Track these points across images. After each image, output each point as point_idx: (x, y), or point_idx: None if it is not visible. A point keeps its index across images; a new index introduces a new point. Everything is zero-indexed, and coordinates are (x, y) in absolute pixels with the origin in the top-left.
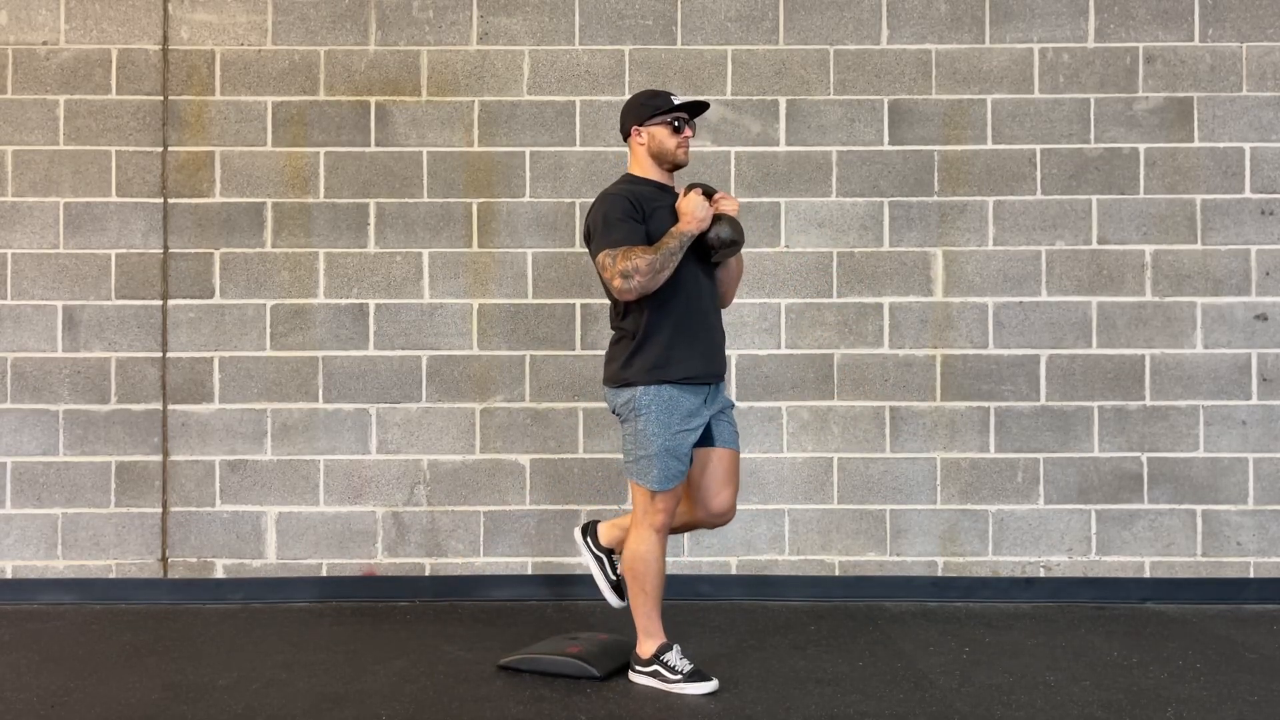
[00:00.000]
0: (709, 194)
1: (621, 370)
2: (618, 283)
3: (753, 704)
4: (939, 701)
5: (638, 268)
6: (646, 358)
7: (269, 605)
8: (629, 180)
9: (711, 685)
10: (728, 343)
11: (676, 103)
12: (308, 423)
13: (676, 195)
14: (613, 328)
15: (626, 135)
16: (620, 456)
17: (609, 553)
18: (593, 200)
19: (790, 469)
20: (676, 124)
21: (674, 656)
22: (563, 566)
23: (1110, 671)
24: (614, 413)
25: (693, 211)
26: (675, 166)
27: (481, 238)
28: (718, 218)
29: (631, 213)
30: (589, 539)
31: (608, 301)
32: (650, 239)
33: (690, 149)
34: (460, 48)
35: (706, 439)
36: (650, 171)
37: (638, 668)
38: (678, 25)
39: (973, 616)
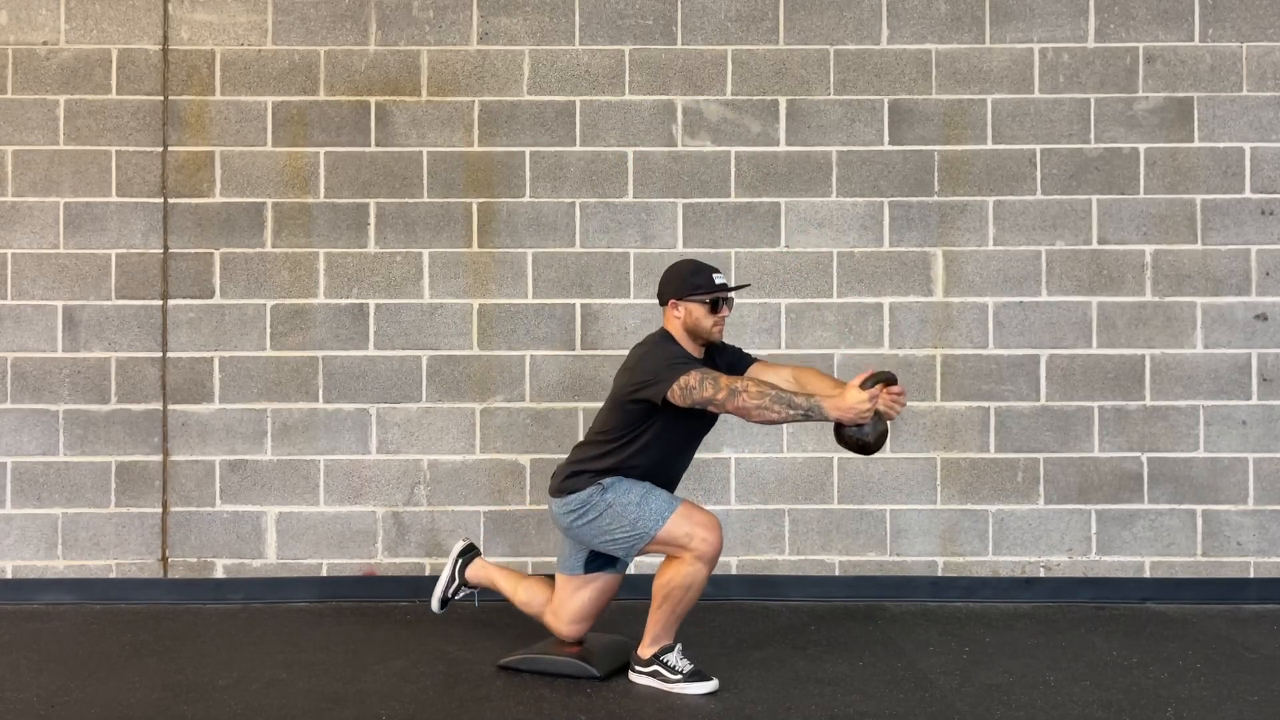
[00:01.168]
0: (889, 382)
1: (566, 480)
2: (722, 395)
3: (753, 704)
4: (939, 701)
5: (747, 389)
6: (595, 477)
7: (269, 605)
8: (669, 340)
9: (711, 685)
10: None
11: (718, 282)
12: (308, 423)
13: (710, 355)
14: (582, 445)
15: (663, 302)
16: None
17: (465, 584)
18: (631, 353)
19: (790, 469)
20: (714, 304)
21: (674, 657)
22: None
23: (1110, 671)
24: (565, 526)
25: (850, 406)
26: (708, 342)
27: (481, 238)
28: (877, 415)
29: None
30: (461, 560)
31: (609, 311)
32: (660, 409)
33: (725, 324)
34: (460, 48)
35: (608, 563)
36: (683, 340)
37: (638, 667)
38: (678, 25)
39: (973, 616)
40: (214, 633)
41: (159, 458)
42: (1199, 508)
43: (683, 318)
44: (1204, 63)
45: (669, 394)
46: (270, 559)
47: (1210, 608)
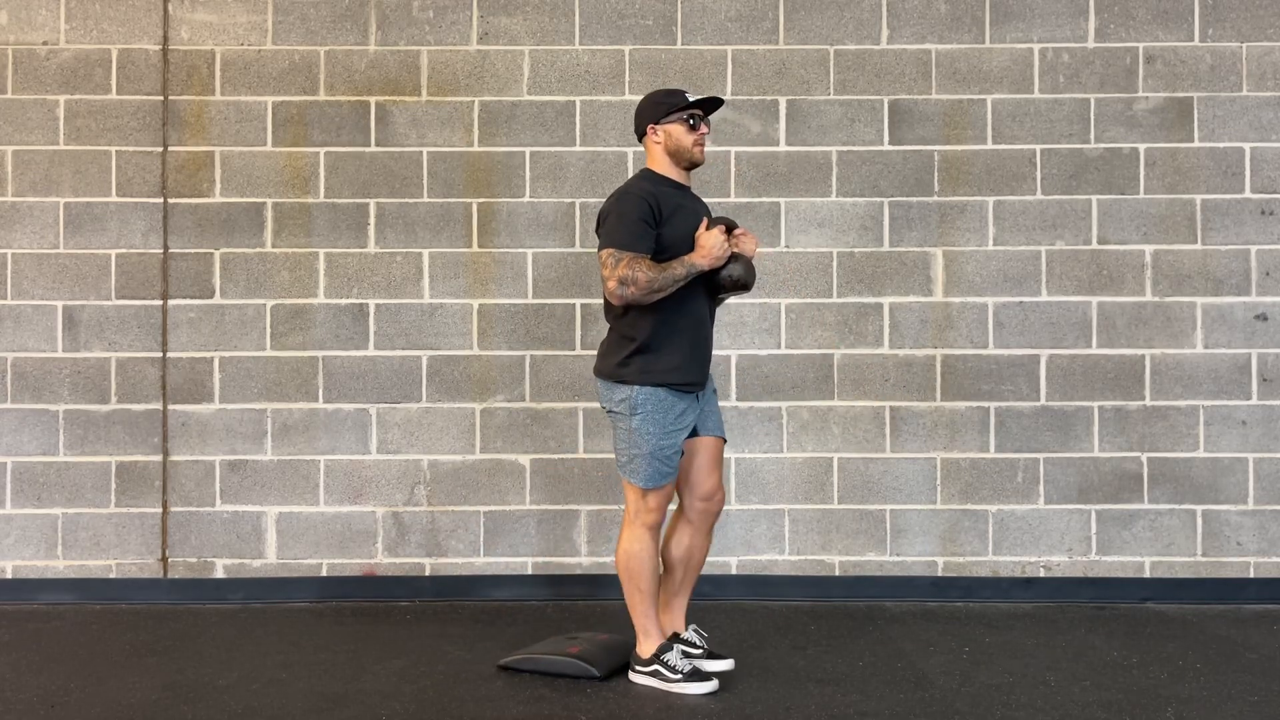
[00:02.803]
0: (730, 229)
1: (619, 367)
2: (611, 285)
3: (753, 704)
4: (939, 701)
5: (636, 280)
6: (646, 361)
7: (269, 605)
8: (648, 178)
9: (711, 685)
10: (728, 344)
11: (691, 100)
12: (308, 423)
13: (694, 195)
14: (608, 320)
15: (641, 135)
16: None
17: (685, 642)
18: (608, 197)
19: (790, 469)
20: (692, 121)
21: (674, 656)
22: (563, 566)
23: (1110, 671)
24: (605, 408)
25: (710, 249)
26: (692, 165)
27: (481, 238)
28: (734, 256)
29: (648, 217)
30: (662, 647)
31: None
32: (663, 242)
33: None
34: (460, 48)
35: (692, 430)
36: (668, 170)
37: (638, 668)
38: (678, 25)
39: (973, 616)
40: (214, 633)
41: (159, 458)
42: (1199, 508)
43: (663, 142)
44: (1204, 63)
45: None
46: (270, 559)
47: (1210, 608)
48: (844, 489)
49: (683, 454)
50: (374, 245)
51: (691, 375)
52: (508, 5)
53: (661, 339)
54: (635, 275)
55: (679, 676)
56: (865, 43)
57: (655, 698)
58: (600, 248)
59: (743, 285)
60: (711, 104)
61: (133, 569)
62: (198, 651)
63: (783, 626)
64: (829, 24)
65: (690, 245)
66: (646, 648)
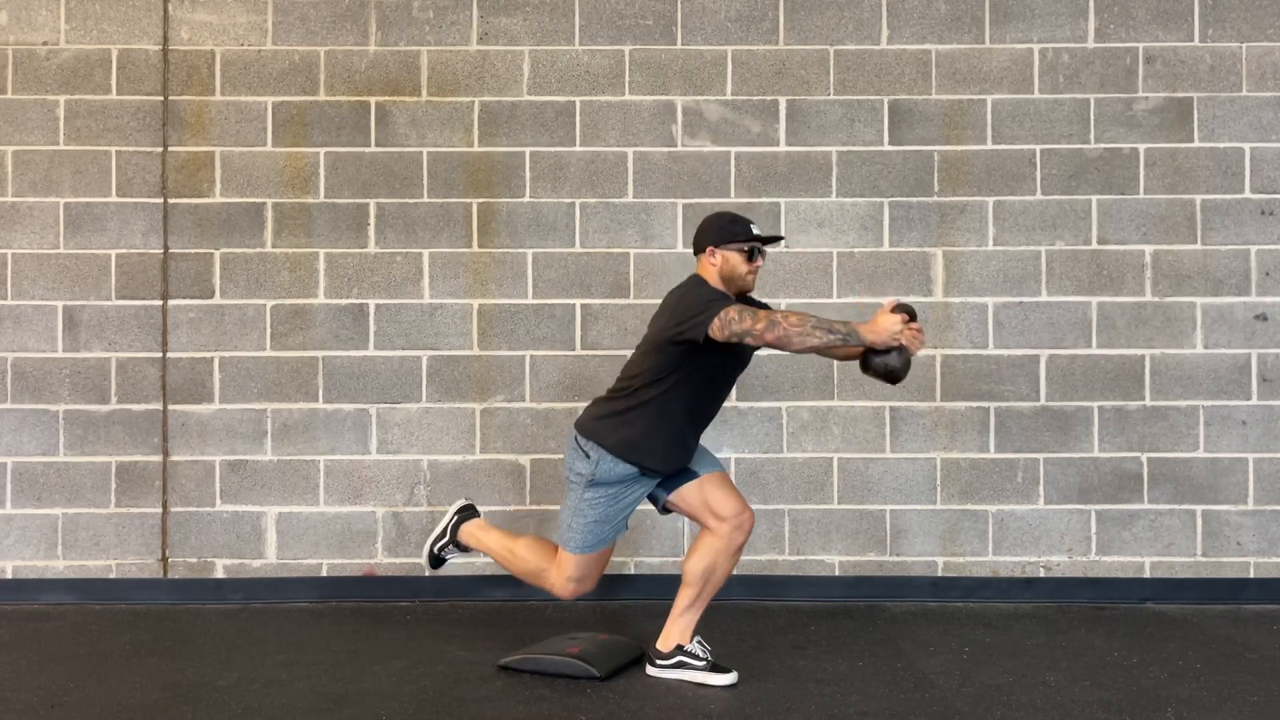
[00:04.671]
0: (910, 317)
1: (599, 426)
2: (761, 325)
3: (752, 704)
4: (939, 701)
5: (788, 318)
6: (630, 433)
7: (269, 605)
8: (703, 282)
9: (732, 677)
10: None
11: (755, 233)
12: (308, 423)
13: None
14: (613, 391)
15: (699, 251)
16: None
17: (456, 544)
18: (668, 295)
19: (790, 469)
20: (750, 253)
21: (694, 646)
22: None
23: (1110, 671)
24: (570, 467)
25: (884, 329)
26: (741, 292)
27: (481, 238)
28: (900, 347)
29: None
30: (458, 518)
31: (609, 311)
32: (704, 353)
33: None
34: (460, 48)
35: (688, 474)
36: (718, 286)
37: (659, 662)
38: (678, 25)
39: (973, 616)
40: (214, 633)
41: (159, 458)
42: (1199, 508)
43: (719, 265)
44: (1204, 63)
45: (710, 328)
46: (270, 559)
47: (1210, 608)
48: (844, 489)
49: (669, 510)
50: (374, 245)
51: (669, 464)
52: (508, 5)
53: (660, 421)
54: (786, 316)
55: (703, 663)
56: (865, 43)
57: (655, 698)
58: (707, 317)
59: (893, 378)
60: (772, 239)
61: (133, 569)
62: (198, 651)
63: (783, 626)
64: (829, 24)
65: (730, 364)
66: (669, 642)
